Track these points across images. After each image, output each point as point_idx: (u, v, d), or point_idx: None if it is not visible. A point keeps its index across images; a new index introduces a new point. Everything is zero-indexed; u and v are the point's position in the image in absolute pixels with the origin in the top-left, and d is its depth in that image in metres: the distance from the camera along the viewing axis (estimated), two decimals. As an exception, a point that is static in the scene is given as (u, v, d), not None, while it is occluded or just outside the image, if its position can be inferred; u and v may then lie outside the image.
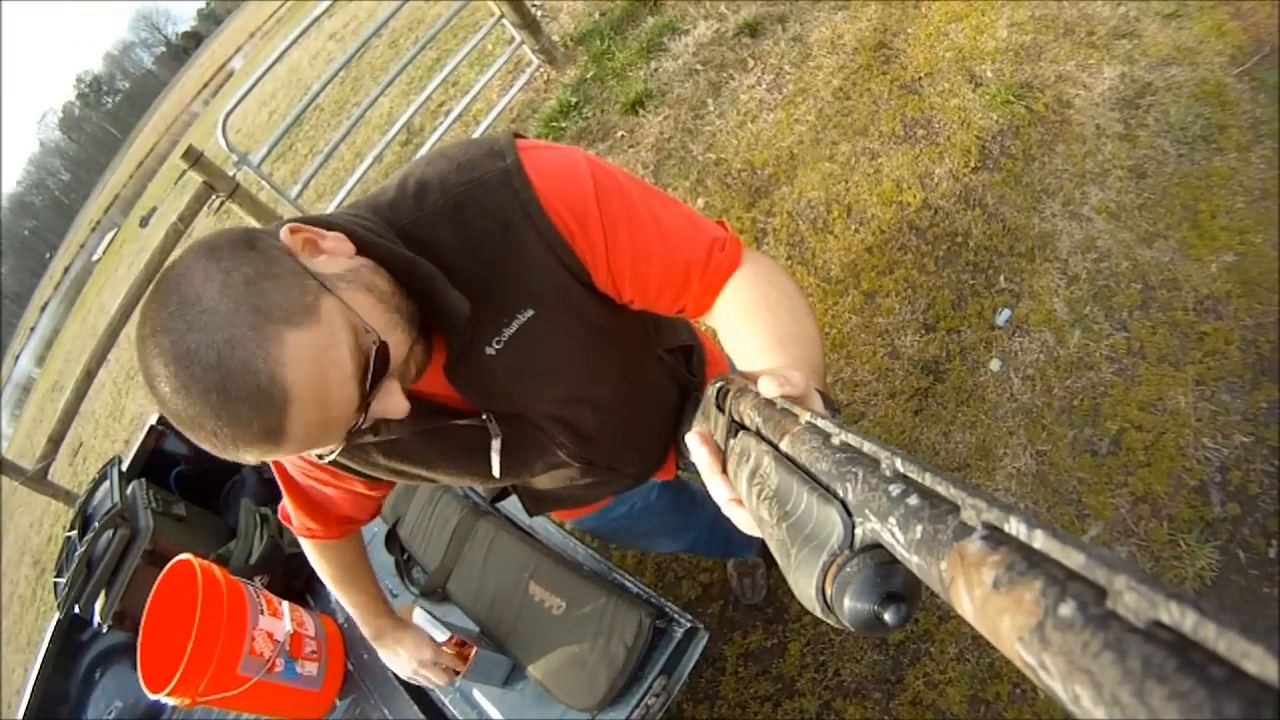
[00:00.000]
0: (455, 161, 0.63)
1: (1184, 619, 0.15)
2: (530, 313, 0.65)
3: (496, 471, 0.76)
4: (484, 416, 0.71)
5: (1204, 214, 1.83)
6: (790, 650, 1.75)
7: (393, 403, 0.57)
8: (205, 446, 0.50)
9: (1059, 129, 2.15)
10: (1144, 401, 1.66)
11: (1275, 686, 0.13)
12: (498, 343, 0.65)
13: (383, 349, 0.54)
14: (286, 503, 0.91)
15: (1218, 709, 0.13)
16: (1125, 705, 0.15)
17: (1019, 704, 1.49)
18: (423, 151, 3.63)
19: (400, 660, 1.09)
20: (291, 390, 0.48)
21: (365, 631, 1.09)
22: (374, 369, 0.54)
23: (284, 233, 0.54)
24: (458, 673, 1.12)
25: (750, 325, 0.66)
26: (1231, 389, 1.60)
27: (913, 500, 0.27)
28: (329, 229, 0.58)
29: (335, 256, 0.56)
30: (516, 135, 0.66)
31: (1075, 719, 0.17)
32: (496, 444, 0.73)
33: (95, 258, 18.83)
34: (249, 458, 0.51)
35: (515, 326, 0.65)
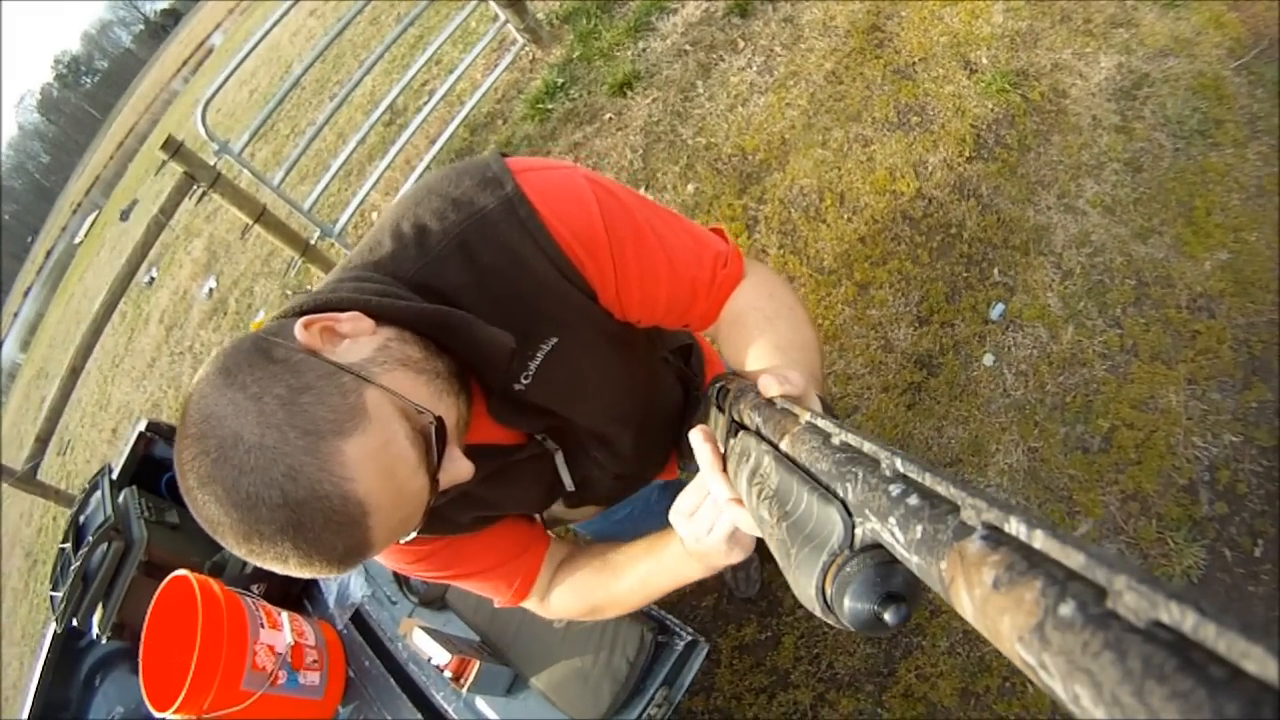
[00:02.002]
0: (449, 197, 0.60)
1: (1184, 619, 0.15)
2: (554, 340, 0.64)
3: (569, 484, 0.76)
4: (539, 438, 0.71)
5: (1199, 210, 1.82)
6: (784, 643, 1.77)
7: (457, 469, 0.56)
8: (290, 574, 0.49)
9: (1055, 119, 2.13)
10: (1136, 399, 1.67)
11: (1275, 686, 0.13)
12: (525, 378, 0.64)
13: (440, 425, 0.52)
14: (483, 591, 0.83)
15: (1218, 709, 0.13)
16: (1125, 705, 0.15)
17: (1008, 697, 1.52)
18: (407, 133, 3.55)
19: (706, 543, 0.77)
20: (367, 502, 0.47)
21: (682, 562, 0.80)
22: (436, 447, 0.52)
23: (298, 330, 0.51)
24: (461, 681, 1.13)
25: (750, 335, 0.66)
26: (1223, 388, 1.61)
27: (913, 500, 0.27)
28: (341, 309, 0.56)
29: (357, 339, 0.53)
30: (504, 154, 0.63)
31: (1073, 718, 0.17)
32: (560, 458, 0.74)
33: (77, 240, 18.54)
34: (336, 573, 0.49)
35: (540, 357, 0.64)
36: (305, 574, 0.48)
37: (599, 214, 0.61)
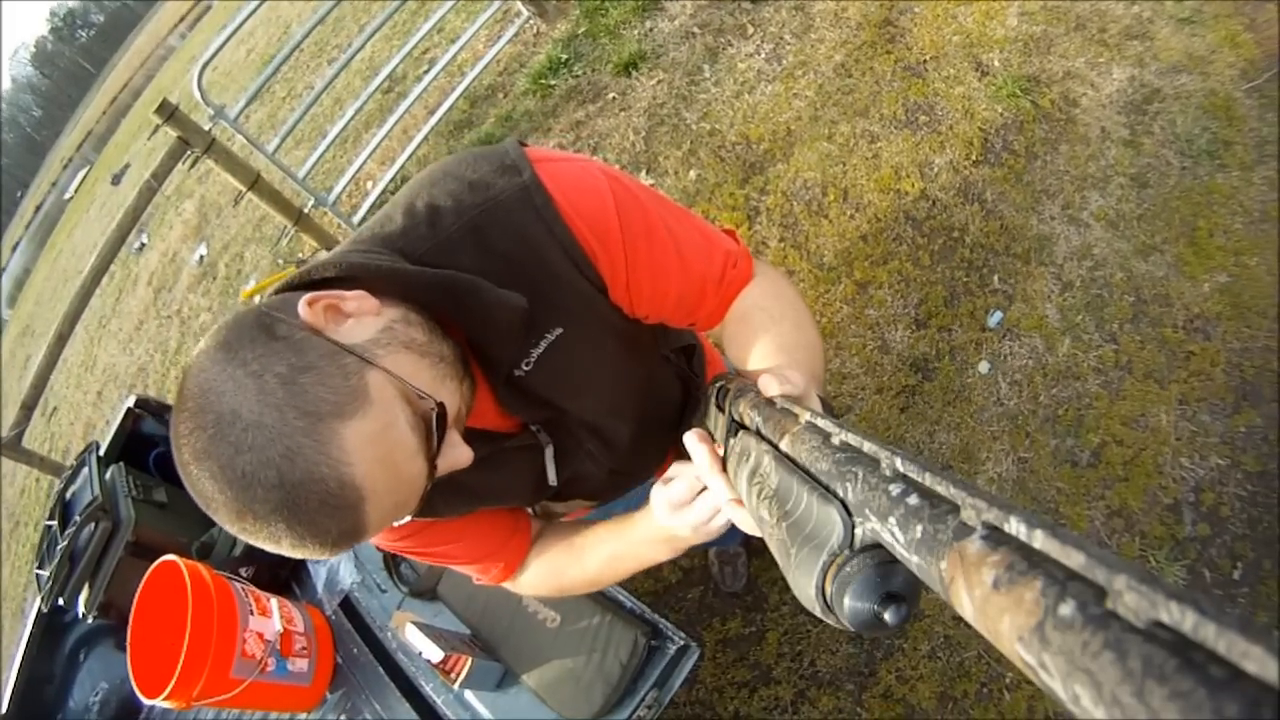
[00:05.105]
0: (465, 180, 0.60)
1: (1184, 619, 0.15)
2: (559, 330, 0.63)
3: (553, 479, 0.75)
4: (533, 428, 0.71)
5: (1202, 231, 1.82)
6: (768, 639, 1.80)
7: (457, 455, 0.55)
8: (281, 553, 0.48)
9: (1064, 128, 2.11)
10: (1127, 416, 1.68)
11: (1275, 686, 0.13)
12: (526, 365, 0.64)
13: (441, 411, 0.51)
14: (465, 571, 0.84)
15: (1218, 709, 0.13)
16: (1125, 705, 0.15)
17: (985, 703, 1.55)
18: (406, 103, 3.49)
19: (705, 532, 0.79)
20: (363, 486, 0.46)
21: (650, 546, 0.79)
22: (436, 433, 0.51)
23: (302, 307, 0.50)
24: (452, 675, 1.14)
25: (755, 334, 0.67)
26: (1213, 411, 1.63)
27: (913, 500, 0.27)
28: (346, 283, 0.55)
29: (362, 319, 0.52)
30: (523, 144, 0.63)
31: (1071, 718, 0.17)
32: (550, 453, 0.73)
33: (67, 196, 18.21)
34: (328, 556, 0.49)
35: (543, 346, 0.64)
36: (297, 554, 0.47)
37: (614, 206, 0.61)
